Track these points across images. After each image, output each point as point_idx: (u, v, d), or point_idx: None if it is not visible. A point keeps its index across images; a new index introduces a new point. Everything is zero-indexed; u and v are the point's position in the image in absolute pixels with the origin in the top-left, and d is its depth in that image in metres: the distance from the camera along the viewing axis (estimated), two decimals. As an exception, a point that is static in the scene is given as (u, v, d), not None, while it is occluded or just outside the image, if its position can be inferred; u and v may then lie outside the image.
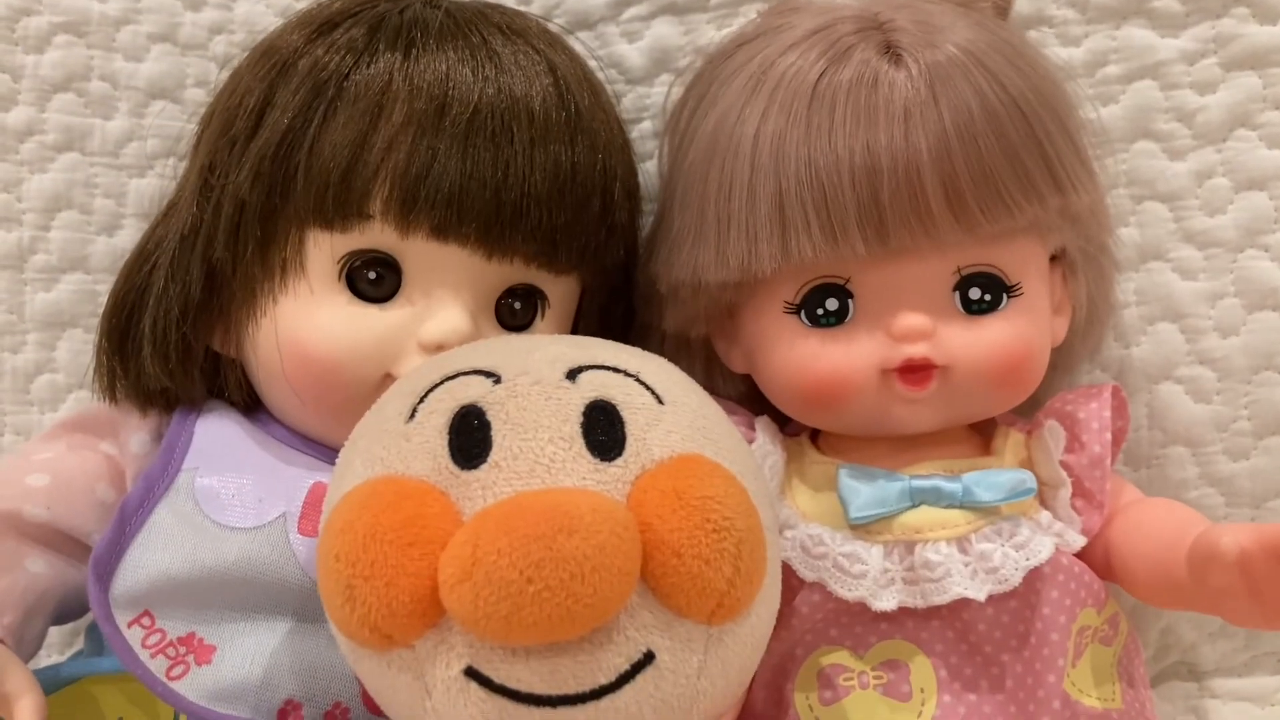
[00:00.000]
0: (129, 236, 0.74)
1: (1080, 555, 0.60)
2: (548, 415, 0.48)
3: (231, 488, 0.59)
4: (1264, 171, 0.70)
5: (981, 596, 0.57)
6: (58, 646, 0.71)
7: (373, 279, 0.59)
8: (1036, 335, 0.61)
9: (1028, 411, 0.65)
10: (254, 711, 0.55)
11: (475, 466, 0.47)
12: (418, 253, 0.59)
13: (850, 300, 0.59)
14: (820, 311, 0.59)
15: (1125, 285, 0.70)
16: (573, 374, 0.50)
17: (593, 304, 0.66)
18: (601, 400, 0.49)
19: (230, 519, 0.58)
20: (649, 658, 0.45)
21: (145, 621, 0.56)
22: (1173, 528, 0.58)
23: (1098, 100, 0.70)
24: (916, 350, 0.58)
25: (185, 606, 0.57)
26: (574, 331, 0.65)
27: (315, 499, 0.58)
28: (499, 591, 0.43)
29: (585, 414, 0.48)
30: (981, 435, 0.64)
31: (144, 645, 0.56)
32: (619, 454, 0.47)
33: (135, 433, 0.63)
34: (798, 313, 0.60)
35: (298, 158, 0.59)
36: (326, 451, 0.60)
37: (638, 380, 0.50)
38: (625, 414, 0.48)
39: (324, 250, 0.59)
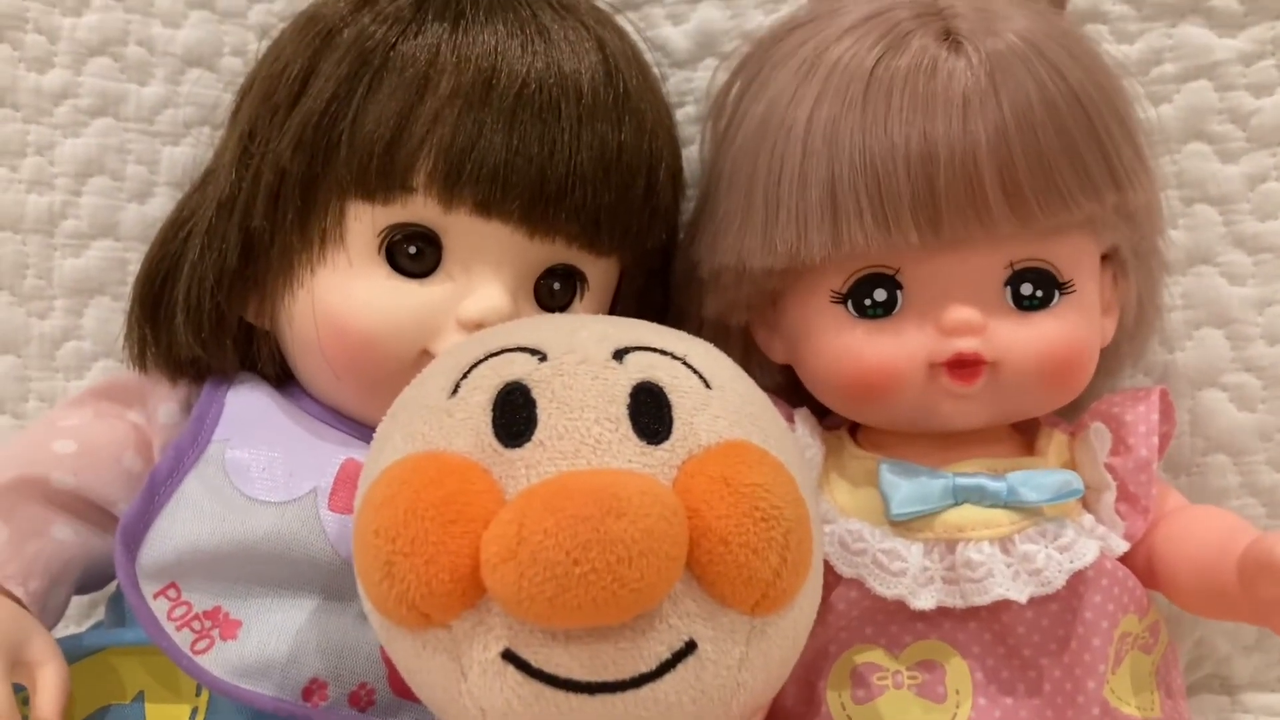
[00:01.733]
0: (160, 205, 0.73)
1: (1123, 560, 0.59)
2: (594, 395, 0.47)
3: (262, 461, 0.58)
4: (1318, 178, 0.69)
5: (1023, 598, 0.56)
6: (75, 618, 0.69)
7: (413, 253, 0.58)
8: (1088, 334, 0.60)
9: (1070, 414, 0.64)
10: (278, 689, 0.55)
11: (520, 445, 0.46)
12: (460, 228, 0.58)
13: (899, 291, 0.58)
14: (868, 302, 0.58)
15: (1172, 289, 0.69)
16: (619, 354, 0.49)
17: (630, 287, 0.65)
18: (649, 382, 0.48)
19: (260, 492, 0.57)
20: (691, 647, 0.44)
21: (171, 593, 0.56)
22: (1221, 535, 0.57)
23: (1151, 99, 0.69)
24: (966, 345, 0.57)
25: (212, 580, 0.56)
26: (610, 315, 0.64)
27: (347, 475, 0.57)
28: (544, 572, 0.42)
29: (632, 395, 0.47)
30: (1025, 435, 0.63)
31: (170, 617, 0.55)
32: (666, 437, 0.46)
33: (164, 402, 0.62)
34: (845, 302, 0.59)
35: (341, 127, 0.58)
36: (359, 427, 0.60)
37: (685, 363, 0.49)
38: (673, 397, 0.47)
39: (364, 222, 0.58)
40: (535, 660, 0.44)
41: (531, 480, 0.45)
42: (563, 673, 0.44)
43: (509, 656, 0.44)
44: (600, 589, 0.42)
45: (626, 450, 0.46)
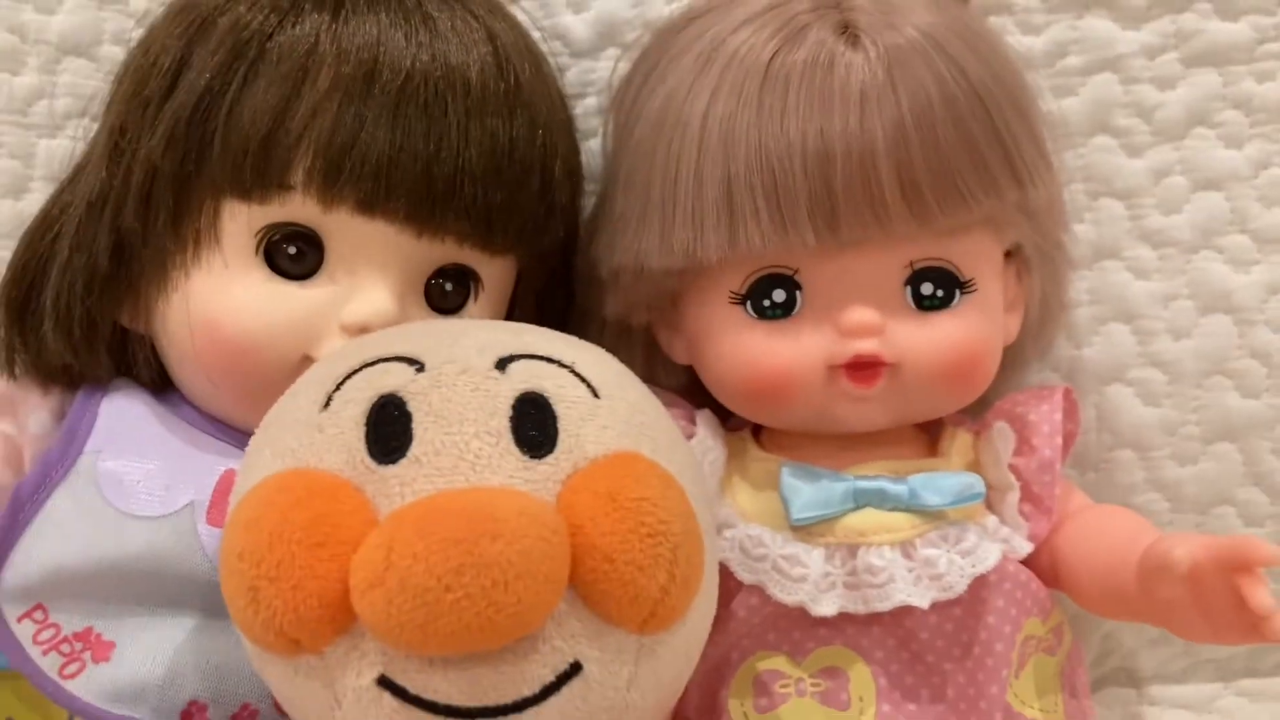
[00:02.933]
0: (36, 201, 0.69)
1: (1026, 562, 0.58)
2: (474, 408, 0.45)
3: (137, 473, 0.56)
4: (1221, 171, 0.68)
5: (925, 604, 0.55)
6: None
7: (293, 254, 0.56)
8: (989, 333, 0.59)
9: (976, 411, 0.63)
10: (155, 713, 0.52)
11: (394, 461, 0.44)
12: (342, 228, 0.55)
13: (798, 292, 0.57)
14: (767, 303, 0.57)
15: (1078, 284, 0.69)
16: (503, 363, 0.47)
17: (529, 288, 0.63)
18: (533, 392, 0.46)
19: (135, 506, 0.55)
20: (576, 668, 0.43)
21: (38, 615, 0.53)
22: (1122, 537, 0.56)
23: (1056, 92, 0.68)
24: (865, 346, 0.56)
25: (83, 600, 0.53)
26: (509, 317, 0.62)
27: (226, 487, 0.55)
28: (414, 599, 0.40)
29: (515, 407, 0.45)
30: (928, 435, 0.62)
31: (35, 641, 0.53)
32: (550, 451, 0.45)
33: (35, 411, 0.59)
34: (743, 303, 0.57)
35: (215, 123, 0.55)
36: (240, 437, 0.56)
37: (572, 371, 0.48)
38: (558, 408, 0.46)
39: (241, 222, 0.56)
40: (412, 686, 0.43)
41: (406, 499, 0.43)
42: (441, 698, 0.42)
43: (384, 683, 0.43)
44: (474, 615, 0.40)
45: (507, 465, 0.44)
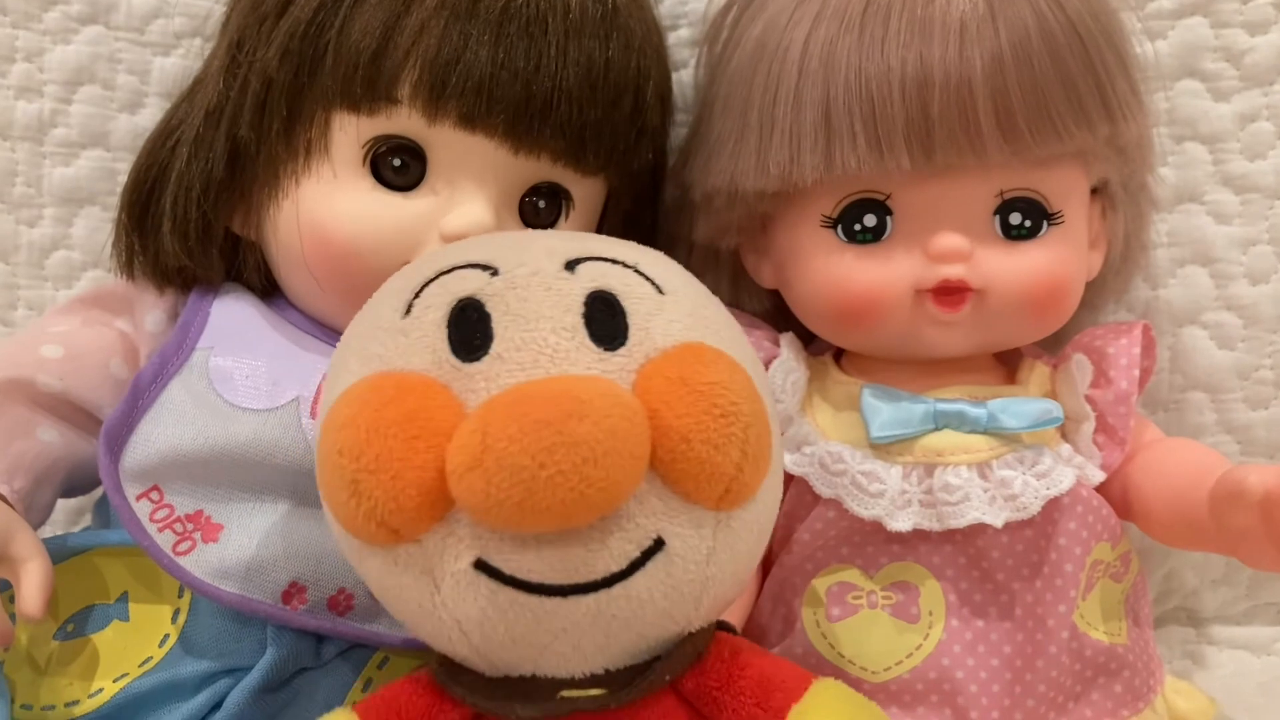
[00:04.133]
0: (150, 115, 0.72)
1: (1098, 490, 0.59)
2: (548, 306, 0.46)
3: (245, 369, 0.58)
4: (1309, 118, 0.69)
5: (999, 523, 0.56)
6: (62, 523, 0.70)
7: (397, 166, 0.58)
8: (1073, 265, 0.60)
9: (1052, 346, 0.64)
10: (259, 591, 0.55)
11: (477, 359, 0.46)
12: (444, 142, 0.58)
13: (889, 217, 0.58)
14: (858, 227, 0.58)
15: (1158, 226, 0.70)
16: (571, 265, 0.48)
17: (617, 209, 0.65)
18: (602, 290, 0.47)
19: (243, 399, 0.57)
20: (659, 544, 0.45)
21: (154, 496, 0.56)
22: (1194, 467, 0.57)
23: (1147, 34, 0.68)
24: (953, 271, 0.57)
25: (194, 484, 0.56)
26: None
27: (330, 385, 0.57)
28: (511, 477, 0.42)
29: (587, 304, 0.47)
30: (1007, 366, 0.64)
31: (152, 519, 0.56)
32: (622, 343, 0.46)
33: (151, 310, 0.62)
34: (834, 227, 0.59)
35: (327, 37, 0.58)
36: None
37: (636, 271, 0.49)
38: (626, 304, 0.47)
39: (349, 134, 0.58)
40: (507, 567, 0.45)
41: (491, 392, 0.45)
42: (535, 577, 0.45)
43: (480, 566, 0.45)
44: (567, 490, 0.42)
45: (584, 358, 0.46)
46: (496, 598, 0.45)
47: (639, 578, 0.45)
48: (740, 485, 0.45)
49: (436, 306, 0.47)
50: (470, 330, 0.46)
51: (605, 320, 0.47)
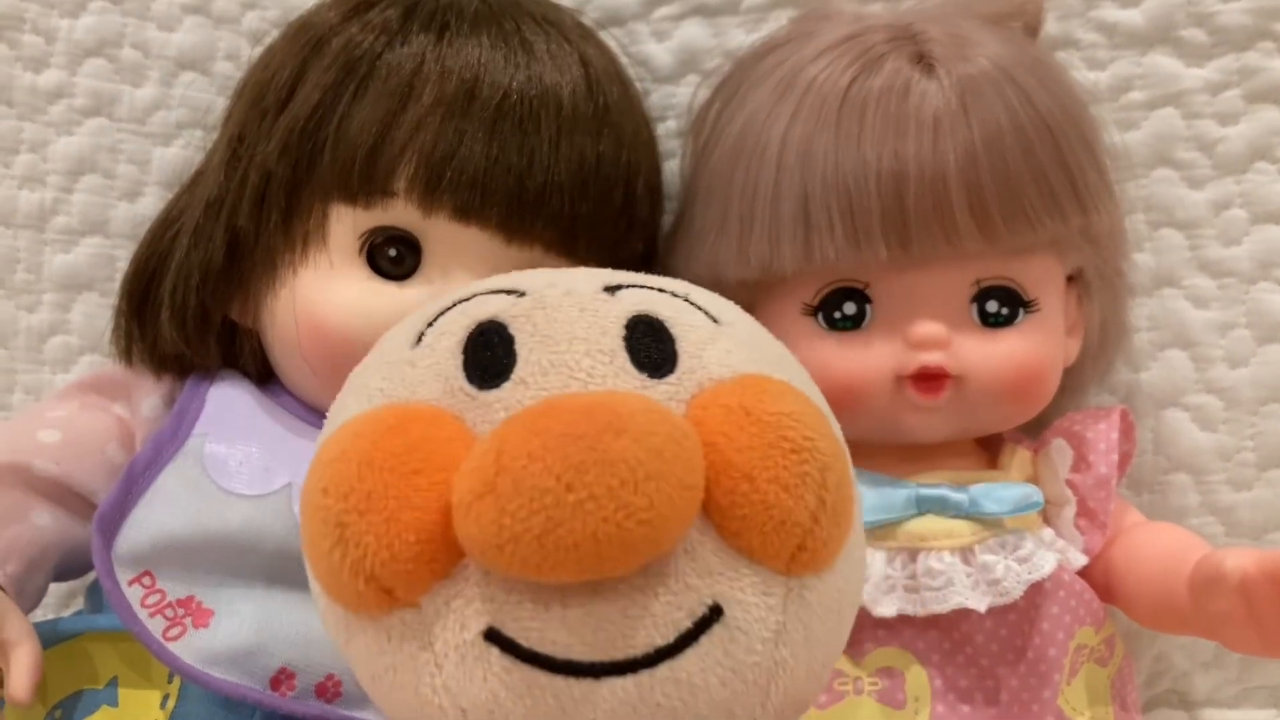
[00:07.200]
0: (150, 204, 0.74)
1: (1081, 575, 0.60)
2: (583, 327, 0.38)
3: (239, 455, 0.59)
4: (1281, 205, 0.70)
5: (982, 607, 0.57)
6: (54, 606, 0.70)
7: (393, 256, 0.60)
8: (1050, 352, 0.61)
9: (1034, 431, 0.65)
10: (248, 677, 0.55)
11: (496, 385, 0.38)
12: (439, 233, 0.59)
13: (868, 305, 0.59)
14: (838, 314, 0.60)
15: (1138, 310, 0.71)
16: (612, 289, 0.41)
17: (608, 298, 0.66)
18: (647, 314, 0.39)
19: (236, 486, 0.58)
20: (716, 612, 0.36)
21: (146, 581, 0.56)
22: (1175, 551, 0.58)
23: (1120, 126, 0.70)
24: (932, 358, 0.58)
25: (187, 569, 0.57)
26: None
27: (322, 471, 0.58)
28: (531, 504, 0.33)
29: (628, 327, 0.39)
30: (988, 451, 0.65)
31: (143, 604, 0.56)
32: (670, 370, 0.38)
33: (147, 396, 0.63)
34: (815, 314, 0.60)
35: (326, 132, 0.59)
36: (337, 425, 0.61)
37: (687, 300, 0.42)
38: (675, 330, 0.39)
39: (346, 225, 0.60)
40: (525, 639, 0.36)
41: None
42: (559, 652, 0.35)
43: (492, 636, 0.36)
44: (600, 520, 0.33)
45: (624, 383, 0.37)
46: (510, 678, 0.36)
47: (690, 655, 0.35)
48: (816, 542, 0.36)
49: (452, 333, 0.40)
50: (490, 354, 0.39)
51: (651, 346, 0.39)
